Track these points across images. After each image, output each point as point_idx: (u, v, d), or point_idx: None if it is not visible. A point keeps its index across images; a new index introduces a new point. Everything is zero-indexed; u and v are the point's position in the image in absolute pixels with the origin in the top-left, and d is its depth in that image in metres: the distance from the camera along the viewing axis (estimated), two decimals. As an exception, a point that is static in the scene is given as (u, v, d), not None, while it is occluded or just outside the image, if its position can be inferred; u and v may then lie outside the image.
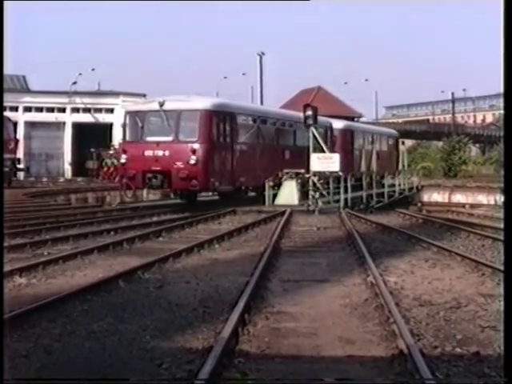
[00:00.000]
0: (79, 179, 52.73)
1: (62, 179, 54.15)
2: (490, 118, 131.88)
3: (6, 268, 11.09)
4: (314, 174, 28.44)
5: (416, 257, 13.91)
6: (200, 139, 25.25)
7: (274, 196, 27.88)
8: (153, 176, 25.09)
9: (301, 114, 30.10)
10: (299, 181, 28.29)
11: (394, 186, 38.51)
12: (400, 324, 7.65)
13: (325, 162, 28.80)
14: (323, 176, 28.92)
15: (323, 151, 29.88)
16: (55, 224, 19.38)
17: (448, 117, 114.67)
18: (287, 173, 28.48)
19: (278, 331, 7.88)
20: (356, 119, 68.19)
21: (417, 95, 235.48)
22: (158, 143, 25.24)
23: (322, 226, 20.16)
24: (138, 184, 25.87)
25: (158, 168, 25.00)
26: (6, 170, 35.23)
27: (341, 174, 29.02)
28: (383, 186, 36.95)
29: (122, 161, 26.20)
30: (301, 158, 30.63)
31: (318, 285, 10.87)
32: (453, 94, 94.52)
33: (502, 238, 15.03)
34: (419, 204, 39.10)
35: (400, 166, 46.71)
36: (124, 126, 27.13)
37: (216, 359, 6.32)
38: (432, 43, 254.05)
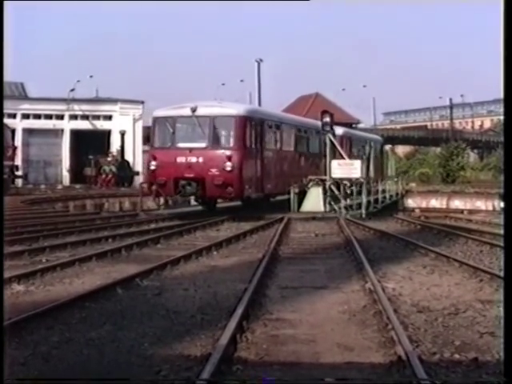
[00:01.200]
0: (77, 186, 52.67)
1: (60, 186, 54.08)
2: (488, 124, 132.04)
3: (5, 275, 11.07)
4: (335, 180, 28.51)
5: (414, 263, 13.91)
6: (235, 146, 24.77)
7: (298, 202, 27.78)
8: (187, 183, 24.43)
9: (312, 120, 30.07)
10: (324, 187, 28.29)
11: (384, 191, 38.50)
12: (398, 330, 7.65)
13: (346, 169, 28.81)
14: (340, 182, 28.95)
15: (334, 158, 29.82)
16: (53, 231, 19.38)
17: (446, 123, 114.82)
18: (311, 179, 28.49)
19: (276, 338, 7.88)
20: (354, 126, 68.32)
21: (415, 101, 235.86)
22: (190, 149, 24.50)
23: (321, 232, 20.16)
24: (169, 191, 25.05)
25: (192, 175, 24.32)
26: (5, 177, 35.18)
27: (363, 180, 28.98)
28: (377, 191, 36.99)
29: (152, 167, 25.13)
30: (314, 164, 30.69)
31: (317, 291, 10.87)
32: (451, 99, 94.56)
33: (500, 243, 15.06)
34: (417, 210, 39.08)
35: (389, 172, 46.81)
36: (152, 131, 26.33)
37: (214, 366, 6.31)
38: (430, 49, 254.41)
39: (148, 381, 6.40)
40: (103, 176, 55.43)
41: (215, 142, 24.93)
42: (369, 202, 32.85)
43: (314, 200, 27.92)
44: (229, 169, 24.07)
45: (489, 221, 24.77)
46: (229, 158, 24.13)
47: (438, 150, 75.42)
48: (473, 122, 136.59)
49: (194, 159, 24.35)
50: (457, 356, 7.14)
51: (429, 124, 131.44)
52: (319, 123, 30.02)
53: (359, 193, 28.60)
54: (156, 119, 26.19)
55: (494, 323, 8.36)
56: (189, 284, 11.36)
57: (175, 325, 8.51)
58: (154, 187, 25.13)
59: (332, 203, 27.49)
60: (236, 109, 25.97)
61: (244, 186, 24.83)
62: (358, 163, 29.26)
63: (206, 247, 15.79)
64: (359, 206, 28.46)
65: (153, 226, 22.64)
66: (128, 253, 15.51)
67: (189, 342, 7.68)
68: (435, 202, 42.97)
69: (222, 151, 24.48)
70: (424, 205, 42.48)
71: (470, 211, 35.92)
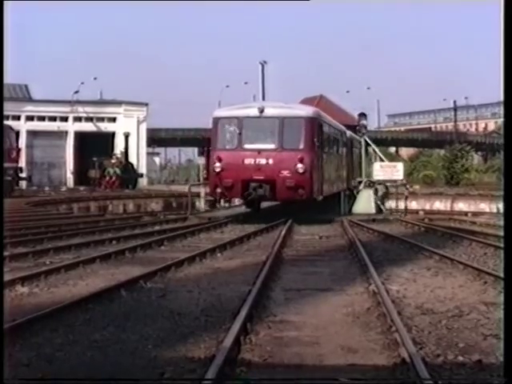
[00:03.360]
0: (81, 188, 52.76)
1: (64, 188, 54.18)
2: (492, 126, 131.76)
3: (8, 277, 11.10)
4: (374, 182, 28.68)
5: (418, 265, 13.91)
6: (306, 147, 24.30)
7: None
8: (258, 185, 23.74)
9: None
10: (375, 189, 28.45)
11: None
12: (402, 333, 7.65)
13: (388, 171, 28.91)
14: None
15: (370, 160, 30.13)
16: (57, 233, 19.40)
17: (450, 125, 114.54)
18: (360, 181, 28.60)
19: (280, 340, 7.88)
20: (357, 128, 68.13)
21: (419, 103, 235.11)
22: (259, 151, 23.96)
23: (324, 234, 20.16)
24: (236, 194, 24.78)
25: (261, 177, 23.71)
26: (9, 179, 35.21)
27: (405, 182, 29.08)
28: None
29: (217, 169, 24.22)
30: (344, 166, 30.68)
31: (321, 294, 10.87)
32: (455, 102, 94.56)
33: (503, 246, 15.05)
34: (421, 212, 39.08)
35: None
36: (214, 132, 25.32)
37: (218, 368, 6.32)
38: (434, 51, 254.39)
39: (158, 381, 6.41)
40: (107, 178, 55.48)
41: (285, 143, 24.30)
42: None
43: (365, 202, 28.00)
44: (301, 171, 23.57)
45: (493, 223, 24.71)
46: (301, 160, 23.64)
47: (442, 152, 75.41)
48: (477, 124, 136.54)
49: (263, 161, 23.82)
50: (460, 358, 7.14)
51: (433, 126, 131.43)
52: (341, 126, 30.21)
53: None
54: (219, 119, 25.40)
55: (498, 325, 8.34)
56: (193, 286, 11.36)
57: (179, 327, 8.51)
58: (218, 190, 24.46)
59: (380, 204, 27.67)
60: (305, 110, 25.85)
61: (314, 187, 24.47)
62: (400, 165, 29.52)
63: (210, 249, 15.78)
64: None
65: (157, 227, 22.64)
66: (132, 255, 15.51)
67: (193, 343, 7.68)
68: (439, 205, 42.98)
69: (294, 153, 23.95)
70: (428, 207, 42.48)
71: (474, 213, 35.92)
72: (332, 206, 27.73)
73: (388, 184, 30.04)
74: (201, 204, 28.87)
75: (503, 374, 6.14)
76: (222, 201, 28.86)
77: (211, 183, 25.29)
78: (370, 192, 28.24)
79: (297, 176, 23.51)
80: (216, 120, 25.37)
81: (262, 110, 24.21)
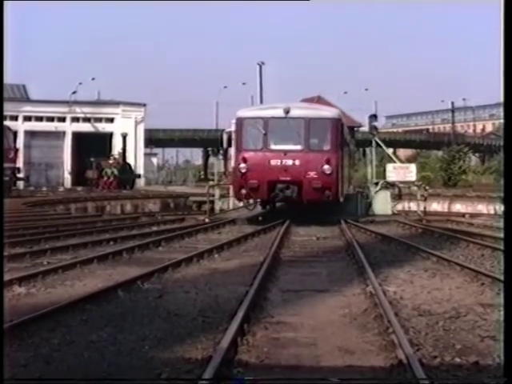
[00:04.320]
0: (79, 188, 52.80)
1: (61, 188, 54.25)
2: (489, 128, 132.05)
3: (6, 277, 11.07)
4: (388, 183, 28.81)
5: (415, 266, 13.90)
6: (332, 148, 24.29)
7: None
8: (284, 187, 23.57)
9: None
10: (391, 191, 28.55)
11: None
12: (399, 334, 7.65)
13: (401, 172, 28.97)
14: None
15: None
16: (55, 233, 19.38)
17: (448, 126, 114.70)
18: (377, 183, 28.68)
19: (277, 341, 7.88)
20: (356, 129, 68.29)
21: (417, 105, 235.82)
22: (285, 152, 23.82)
23: (322, 235, 20.15)
24: (262, 195, 24.24)
25: (288, 178, 23.56)
26: (6, 179, 35.23)
27: (418, 183, 29.16)
28: None
29: (243, 170, 23.91)
30: (352, 166, 30.56)
31: (318, 295, 10.86)
32: (453, 103, 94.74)
33: (501, 247, 15.05)
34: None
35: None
36: (239, 132, 24.96)
37: (215, 369, 6.32)
38: (432, 53, 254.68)
39: (154, 381, 6.41)
40: (105, 178, 55.57)
41: (311, 144, 24.28)
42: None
43: (383, 203, 28.06)
44: (328, 172, 23.51)
45: (490, 224, 24.71)
46: (327, 161, 23.57)
47: (440, 153, 75.51)
48: (475, 126, 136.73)
49: (289, 162, 23.66)
50: (458, 360, 7.14)
51: (431, 127, 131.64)
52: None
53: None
54: (243, 120, 25.06)
55: (495, 327, 8.35)
56: (190, 287, 11.35)
57: (176, 327, 8.51)
58: (243, 191, 24.06)
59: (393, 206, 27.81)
60: (330, 111, 25.82)
61: (339, 188, 24.45)
62: (413, 167, 29.57)
63: (208, 250, 15.78)
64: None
65: (154, 228, 22.63)
66: (129, 255, 15.50)
67: (190, 344, 7.68)
68: (437, 206, 42.97)
69: (320, 154, 23.93)
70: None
71: (472, 215, 35.92)
72: (343, 206, 27.73)
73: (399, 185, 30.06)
74: (217, 205, 28.76)
75: (503, 374, 6.15)
76: (231, 202, 28.73)
77: (235, 184, 25.01)
78: (388, 193, 28.37)
79: (323, 177, 23.48)
80: (240, 120, 25.07)
81: (287, 111, 24.07)
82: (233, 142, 25.96)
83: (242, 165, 23.96)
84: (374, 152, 30.37)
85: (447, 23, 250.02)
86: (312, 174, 23.44)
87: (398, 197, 29.93)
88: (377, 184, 29.14)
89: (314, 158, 23.79)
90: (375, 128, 29.39)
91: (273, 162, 23.71)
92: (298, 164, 23.60)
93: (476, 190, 48.02)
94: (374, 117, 30.37)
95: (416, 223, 24.14)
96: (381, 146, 30.74)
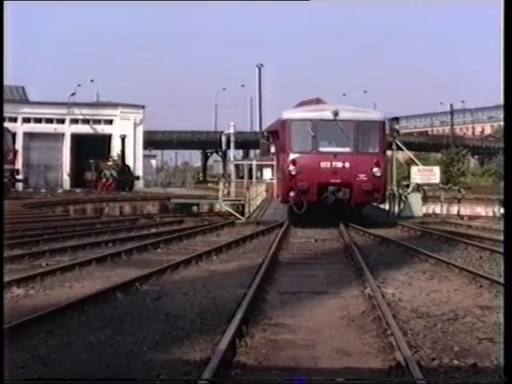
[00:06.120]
0: (78, 190, 52.75)
1: (60, 190, 54.19)
2: (488, 130, 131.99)
3: (4, 279, 11.07)
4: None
5: (414, 269, 13.91)
6: (380, 151, 24.40)
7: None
8: (336, 189, 23.32)
9: None
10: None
11: None
12: (397, 336, 7.65)
13: (425, 175, 29.09)
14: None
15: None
16: (53, 235, 19.40)
17: (447, 128, 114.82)
18: (407, 185, 28.76)
19: (275, 343, 7.88)
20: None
21: (415, 107, 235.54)
22: (335, 154, 23.67)
23: (320, 237, 20.14)
24: (311, 198, 23.44)
25: (338, 180, 23.35)
26: (5, 180, 35.24)
27: (441, 185, 29.28)
28: None
29: (293, 173, 23.47)
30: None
31: (316, 297, 10.87)
32: (451, 105, 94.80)
33: (499, 249, 15.06)
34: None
35: None
36: (286, 134, 24.56)
37: (213, 371, 6.32)
38: (431, 55, 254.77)
39: (155, 380, 6.41)
40: (103, 180, 55.56)
41: (360, 146, 24.13)
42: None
43: (414, 205, 28.14)
44: (378, 174, 23.44)
45: (489, 227, 24.71)
46: (377, 164, 23.53)
47: (439, 155, 75.49)
48: (473, 128, 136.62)
49: (339, 164, 23.50)
50: (456, 362, 7.14)
51: (429, 130, 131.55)
52: None
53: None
54: (291, 121, 24.70)
55: (493, 329, 8.36)
56: (188, 289, 11.36)
57: (174, 329, 8.52)
58: (291, 193, 23.54)
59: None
60: (378, 114, 25.69)
61: (386, 191, 24.32)
62: (437, 169, 29.72)
63: (206, 252, 15.79)
64: None
65: (153, 230, 22.63)
66: (128, 257, 15.52)
67: (188, 346, 7.69)
68: (435, 208, 42.94)
69: (370, 156, 23.83)
70: (424, 210, 42.50)
71: (470, 217, 35.91)
72: (373, 209, 27.83)
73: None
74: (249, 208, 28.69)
75: (503, 374, 6.16)
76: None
77: (284, 187, 24.53)
78: (418, 195, 28.52)
79: (373, 180, 23.42)
80: (288, 122, 24.76)
81: (336, 113, 23.91)
82: (272, 144, 25.62)
83: (292, 167, 23.58)
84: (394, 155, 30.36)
85: (446, 26, 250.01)
86: (362, 176, 23.37)
87: (423, 199, 30.05)
88: (407, 186, 29.24)
89: (364, 160, 23.69)
90: (396, 131, 29.35)
91: (323, 165, 23.52)
92: (348, 166, 23.50)
93: (475, 192, 48.00)
94: (395, 119, 30.31)
95: (415, 225, 24.10)
96: (402, 149, 30.81)
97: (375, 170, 23.43)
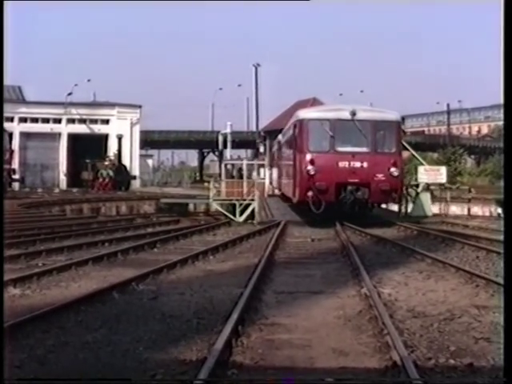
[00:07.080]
0: (74, 190, 52.66)
1: (57, 190, 54.09)
2: (485, 130, 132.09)
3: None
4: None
5: (410, 268, 13.91)
6: (397, 151, 24.56)
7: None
8: (355, 189, 23.46)
9: None
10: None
11: None
12: (393, 336, 7.65)
13: (432, 174, 29.19)
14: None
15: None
16: (50, 235, 19.38)
17: (443, 128, 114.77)
18: (417, 185, 28.88)
19: (271, 343, 7.88)
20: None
21: (412, 106, 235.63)
22: (353, 154, 23.76)
23: (317, 237, 20.14)
24: (330, 197, 23.49)
25: (356, 180, 23.51)
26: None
27: (448, 185, 29.41)
28: None
29: (311, 172, 23.56)
30: None
31: (313, 296, 10.87)
32: (448, 105, 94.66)
33: (496, 249, 15.09)
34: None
35: None
36: (304, 134, 24.56)
37: (209, 371, 6.32)
38: (428, 55, 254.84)
39: (150, 381, 6.41)
40: (100, 180, 55.53)
41: (378, 146, 24.25)
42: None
43: (424, 204, 28.22)
44: (396, 174, 23.62)
45: (485, 226, 24.72)
46: (394, 164, 23.67)
47: (435, 155, 75.49)
48: (470, 128, 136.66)
49: (357, 164, 23.65)
50: (452, 361, 7.15)
51: (426, 129, 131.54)
52: None
53: None
54: (308, 121, 24.78)
55: (490, 329, 8.37)
56: (185, 288, 11.36)
57: (171, 329, 8.52)
58: (310, 193, 23.49)
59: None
60: (394, 114, 25.74)
61: (402, 191, 24.29)
62: (444, 169, 29.87)
63: (203, 252, 15.79)
64: None
65: (150, 230, 22.62)
66: (124, 257, 15.52)
67: (184, 346, 7.68)
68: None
69: (388, 156, 23.95)
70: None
71: (467, 217, 35.91)
72: (383, 208, 27.89)
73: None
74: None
75: (503, 374, 6.17)
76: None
77: (301, 186, 24.35)
78: (428, 195, 28.64)
79: (391, 179, 23.58)
80: (305, 122, 24.84)
81: (354, 113, 23.95)
82: (286, 143, 25.48)
83: (310, 167, 23.66)
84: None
85: (443, 25, 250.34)
86: (380, 176, 23.53)
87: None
88: (417, 186, 29.35)
89: (381, 160, 23.79)
90: (403, 131, 29.44)
91: (341, 164, 23.62)
92: (366, 166, 23.63)
93: (471, 192, 47.91)
94: (401, 119, 30.45)
95: (412, 225, 24.09)
96: (408, 149, 30.90)
97: (393, 169, 23.59)
